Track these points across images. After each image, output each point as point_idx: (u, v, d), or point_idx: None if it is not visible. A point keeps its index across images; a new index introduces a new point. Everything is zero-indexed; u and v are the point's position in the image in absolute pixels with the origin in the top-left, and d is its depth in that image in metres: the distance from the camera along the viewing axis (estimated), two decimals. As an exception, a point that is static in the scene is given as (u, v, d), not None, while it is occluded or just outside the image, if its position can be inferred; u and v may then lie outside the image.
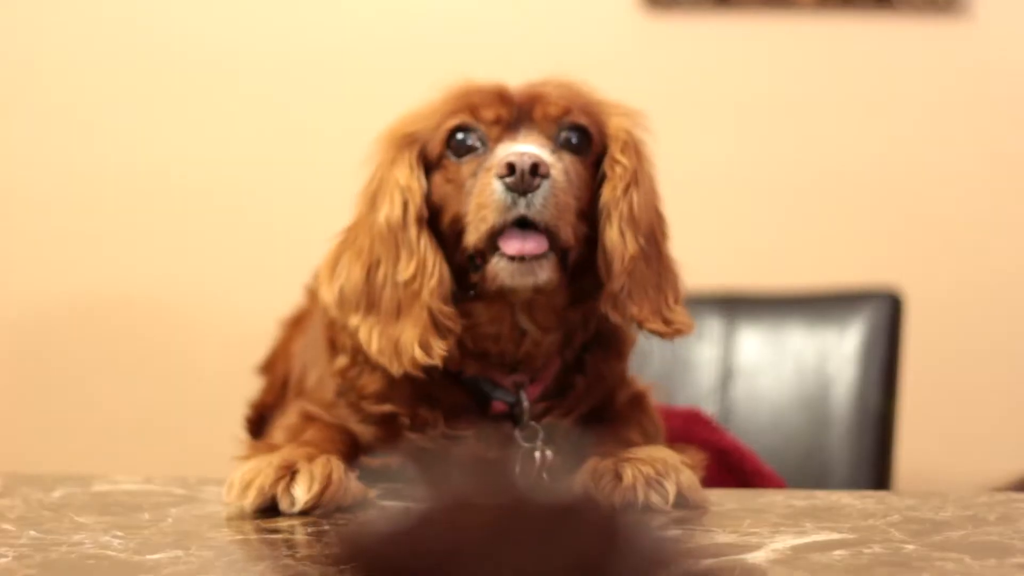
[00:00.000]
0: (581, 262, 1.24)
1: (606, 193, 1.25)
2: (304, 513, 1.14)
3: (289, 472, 1.16)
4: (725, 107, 2.48)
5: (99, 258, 2.51)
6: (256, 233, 2.50)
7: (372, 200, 1.27)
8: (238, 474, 1.17)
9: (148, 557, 0.97)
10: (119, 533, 1.07)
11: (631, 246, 1.22)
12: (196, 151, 2.51)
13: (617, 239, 1.23)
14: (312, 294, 1.47)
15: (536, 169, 1.17)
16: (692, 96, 2.47)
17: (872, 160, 2.45)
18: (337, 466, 1.17)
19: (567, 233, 1.19)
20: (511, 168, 1.17)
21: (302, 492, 1.14)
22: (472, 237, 1.20)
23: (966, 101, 2.45)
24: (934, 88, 2.46)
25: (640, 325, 1.25)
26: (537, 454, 1.23)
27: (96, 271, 2.51)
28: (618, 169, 1.25)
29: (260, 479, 1.15)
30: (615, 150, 1.26)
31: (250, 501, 1.14)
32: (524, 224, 1.18)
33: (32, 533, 1.08)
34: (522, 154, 1.18)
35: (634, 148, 1.27)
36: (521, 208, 1.17)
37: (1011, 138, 2.45)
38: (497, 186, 1.17)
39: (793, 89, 2.48)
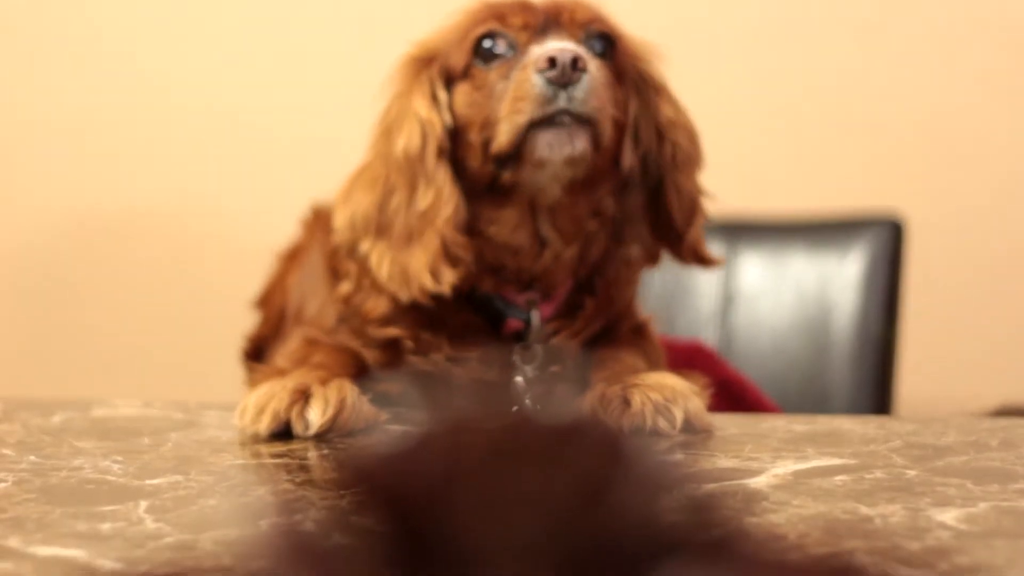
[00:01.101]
0: (604, 170, 1.25)
1: (663, 142, 1.27)
2: (317, 437, 1.14)
3: (303, 396, 1.16)
4: (725, 32, 2.45)
5: (99, 181, 2.50)
6: (261, 158, 2.48)
7: (389, 131, 1.27)
8: (251, 399, 1.18)
9: (148, 482, 0.97)
10: (119, 458, 1.06)
11: (696, 194, 1.27)
12: (203, 69, 2.49)
13: (686, 188, 1.26)
14: (309, 227, 1.46)
15: (576, 63, 1.17)
16: (691, 21, 2.44)
17: (874, 84, 2.44)
18: (350, 389, 1.17)
19: (606, 128, 1.20)
20: (552, 62, 1.17)
21: (316, 415, 1.14)
22: (504, 135, 1.19)
23: (971, 23, 2.43)
24: (937, 10, 2.43)
25: (689, 259, 1.29)
26: (519, 378, 1.23)
27: (96, 194, 2.50)
28: (665, 112, 1.28)
29: (274, 403, 1.16)
30: (655, 92, 1.29)
31: (264, 425, 1.14)
32: (558, 124, 1.18)
33: (32, 458, 1.07)
34: (563, 48, 1.18)
35: (669, 90, 1.30)
36: (562, 102, 1.18)
37: (1016, 60, 2.43)
38: (537, 80, 1.18)
39: (793, 13, 2.45)
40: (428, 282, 1.21)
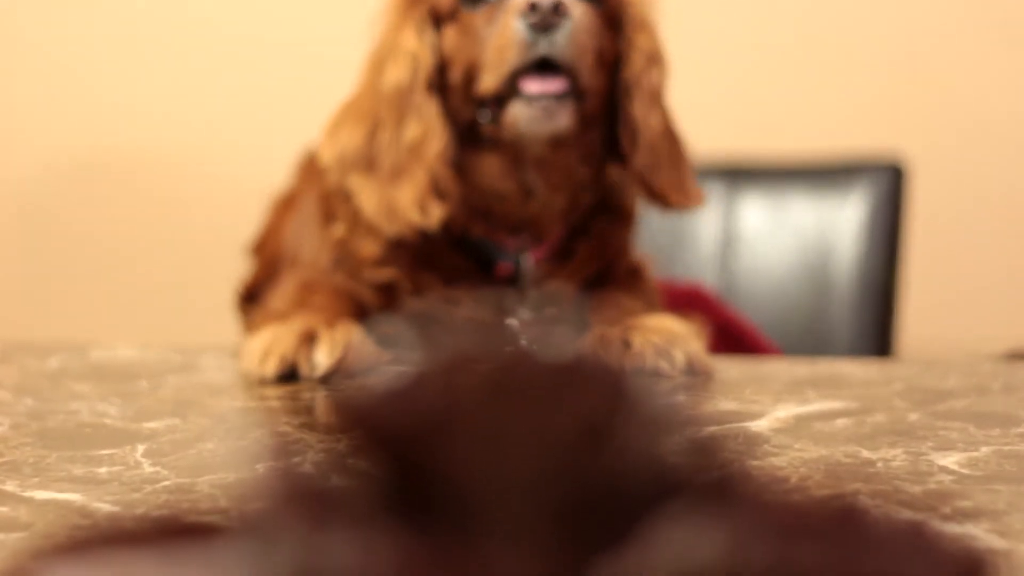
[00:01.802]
0: (595, 117, 1.23)
1: (628, 69, 1.25)
2: (320, 379, 1.14)
3: (309, 338, 1.16)
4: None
5: (97, 121, 2.48)
6: (261, 96, 2.47)
7: (379, 66, 1.26)
8: (256, 342, 1.18)
9: (145, 425, 0.97)
10: (116, 401, 1.06)
11: (655, 123, 1.24)
12: (204, 8, 2.47)
13: (642, 116, 1.24)
14: (303, 172, 1.45)
15: (558, 8, 1.16)
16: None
17: (875, 21, 2.42)
18: (355, 331, 1.17)
19: (587, 76, 1.19)
20: (533, 7, 1.16)
21: (324, 357, 1.14)
22: (489, 82, 1.18)
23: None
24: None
25: (663, 199, 1.26)
26: (514, 320, 1.22)
27: (93, 135, 2.49)
28: (639, 44, 1.25)
29: (281, 346, 1.16)
30: (634, 27, 1.26)
31: (271, 368, 1.15)
32: (544, 68, 1.17)
33: (29, 401, 1.07)
34: None
35: (651, 26, 1.27)
36: (542, 48, 1.17)
37: None
38: (518, 25, 1.16)
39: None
40: (416, 216, 1.21)
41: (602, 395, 0.28)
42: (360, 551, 0.27)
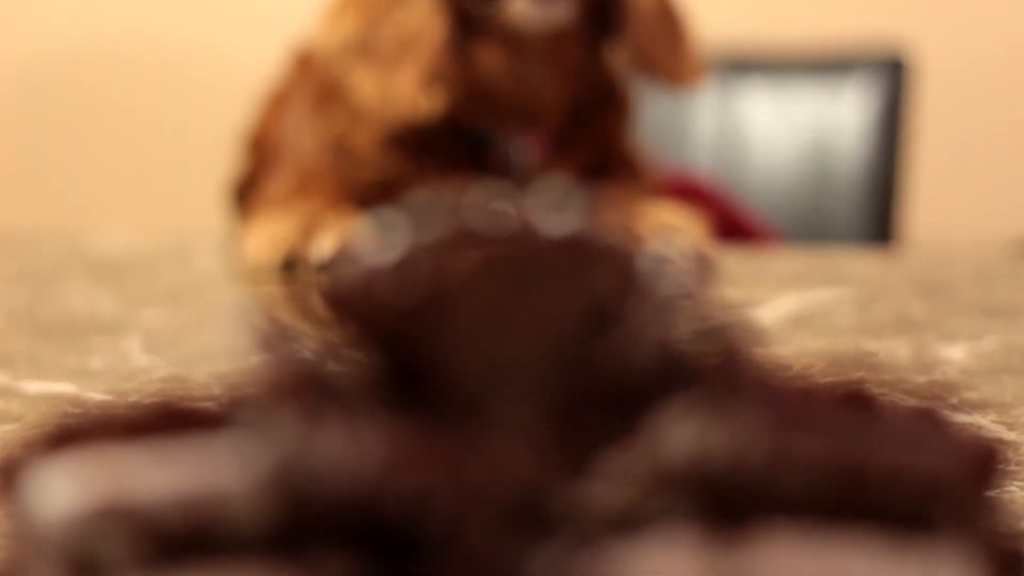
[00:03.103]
0: (594, 4, 1.21)
1: None
2: (321, 268, 1.13)
3: (313, 225, 1.15)
4: None
5: (92, 8, 2.45)
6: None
7: None
8: (256, 230, 1.17)
9: (139, 315, 0.96)
10: (110, 290, 1.05)
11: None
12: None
13: None
14: (299, 64, 1.43)
15: None
16: None
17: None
18: (359, 218, 1.16)
19: None
20: None
21: (327, 244, 1.13)
22: None
23: None
24: None
25: (660, 73, 1.23)
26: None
27: (88, 22, 2.46)
28: None
29: (282, 233, 1.15)
30: None
31: (272, 256, 1.14)
32: None
33: (21, 291, 1.06)
34: None
35: None
36: None
37: None
38: None
39: None
40: (415, 102, 1.19)
41: (610, 276, 0.26)
42: (349, 441, 0.25)
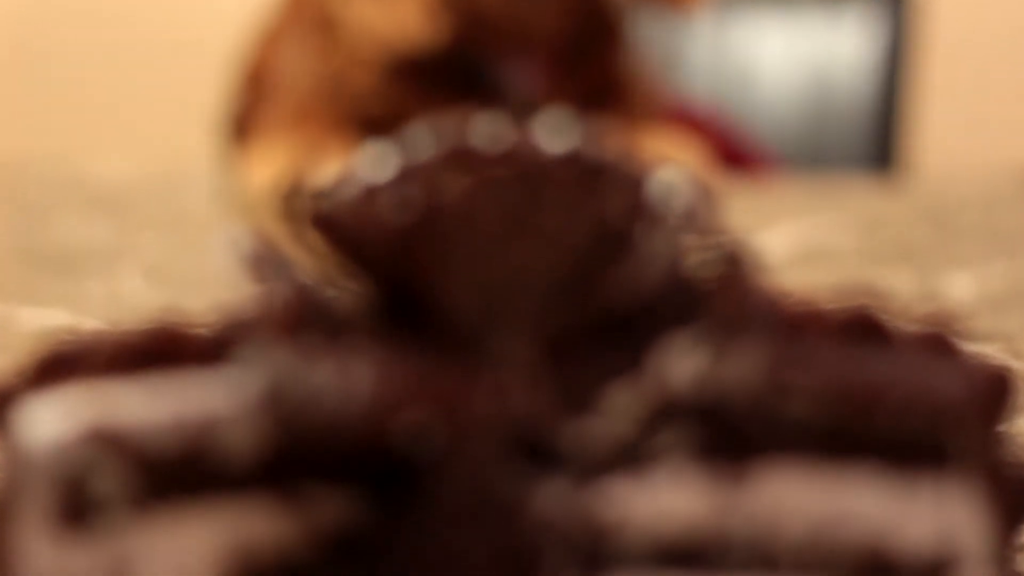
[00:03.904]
0: None
1: None
2: (321, 195, 1.13)
3: (314, 156, 1.14)
4: None
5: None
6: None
7: None
8: (259, 160, 1.16)
9: (135, 244, 0.95)
10: (106, 219, 1.04)
11: None
12: None
13: None
14: (291, 2, 1.42)
15: None
16: None
17: None
18: (361, 145, 1.16)
19: None
20: None
21: (329, 173, 1.13)
22: None
23: None
24: None
25: (658, 2, 1.23)
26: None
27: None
28: None
29: (285, 164, 1.14)
30: None
31: (275, 186, 1.13)
32: None
33: (15, 220, 1.05)
34: None
35: None
36: None
37: None
38: None
39: None
40: (415, 30, 1.18)
41: (618, 196, 0.25)
42: (342, 369, 0.25)
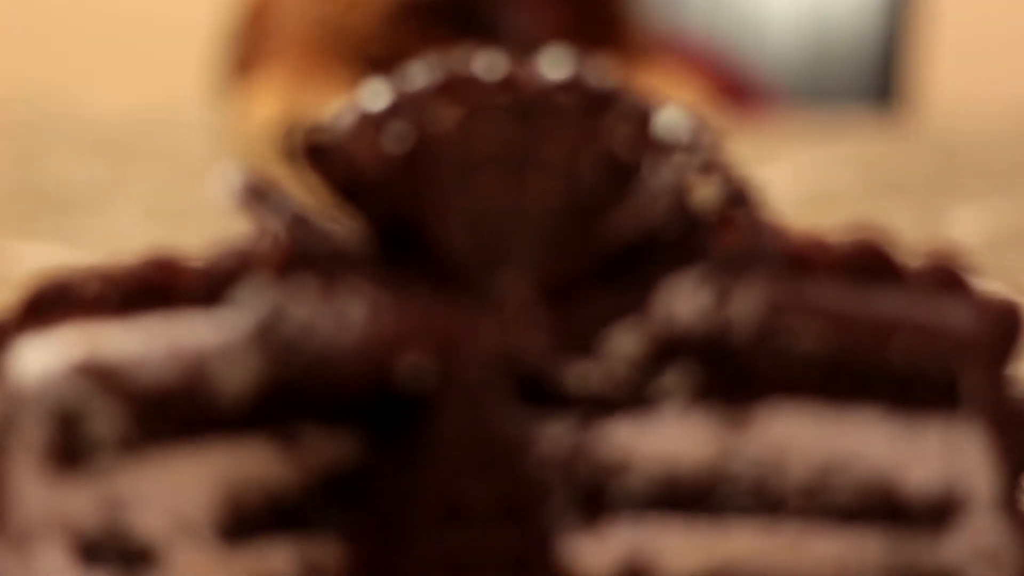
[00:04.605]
0: None
1: None
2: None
3: (317, 90, 1.13)
4: None
5: None
6: None
7: None
8: (262, 93, 1.16)
9: (132, 179, 0.95)
10: (102, 155, 1.04)
11: None
12: None
13: None
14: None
15: None
16: None
17: None
18: (364, 79, 1.16)
19: None
20: None
21: (335, 103, 1.12)
22: None
23: None
24: None
25: None
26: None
27: None
28: None
29: (288, 98, 1.14)
30: None
31: (278, 120, 1.13)
32: None
33: (12, 155, 1.05)
34: None
35: None
36: None
37: None
38: None
39: None
40: None
41: (625, 124, 0.25)
42: (332, 306, 0.24)
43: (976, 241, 0.75)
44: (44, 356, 0.25)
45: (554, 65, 0.26)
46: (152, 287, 0.27)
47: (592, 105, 0.24)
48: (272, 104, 1.15)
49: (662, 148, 0.25)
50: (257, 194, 0.27)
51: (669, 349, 0.26)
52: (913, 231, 0.76)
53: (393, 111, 0.25)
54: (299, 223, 0.26)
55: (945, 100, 2.26)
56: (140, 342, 0.26)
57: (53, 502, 0.25)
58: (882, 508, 0.27)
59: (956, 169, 0.97)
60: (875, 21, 1.83)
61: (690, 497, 0.27)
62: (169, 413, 0.25)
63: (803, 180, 0.93)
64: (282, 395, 0.25)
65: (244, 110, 1.18)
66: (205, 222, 0.79)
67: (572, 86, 0.24)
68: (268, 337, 0.24)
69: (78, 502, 0.25)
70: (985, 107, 2.19)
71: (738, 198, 0.27)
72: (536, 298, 0.26)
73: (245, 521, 0.26)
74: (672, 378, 0.27)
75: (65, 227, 0.80)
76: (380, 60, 1.25)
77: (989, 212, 0.82)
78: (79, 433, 0.25)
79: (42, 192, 0.91)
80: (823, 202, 0.86)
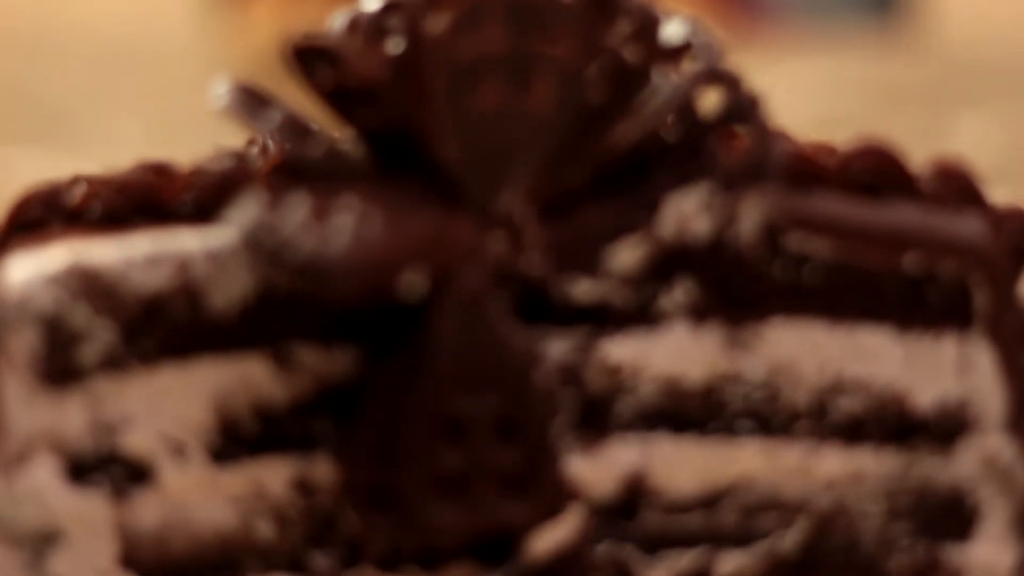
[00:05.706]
0: None
1: None
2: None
3: (319, 6, 1.14)
4: None
5: None
6: None
7: None
8: (263, 9, 1.15)
9: (132, 93, 0.95)
10: (101, 69, 1.04)
11: None
12: None
13: None
14: None
15: None
16: None
17: None
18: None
19: None
20: None
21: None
22: None
23: None
24: None
25: None
26: None
27: None
28: None
29: (287, 7, 1.13)
30: None
31: (285, 32, 1.12)
32: None
33: (13, 73, 1.04)
34: None
35: None
36: None
37: None
38: None
39: None
40: None
41: (631, 28, 0.24)
42: (321, 217, 0.24)
43: (979, 147, 0.75)
44: (30, 267, 0.25)
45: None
46: (142, 199, 0.27)
47: (598, 7, 0.23)
48: (270, 17, 1.14)
49: (670, 55, 0.24)
50: (250, 103, 0.26)
51: (673, 264, 0.26)
52: (920, 146, 0.76)
53: (386, 12, 0.24)
54: (292, 132, 0.25)
55: (945, 10, 2.23)
56: (128, 252, 0.25)
57: (43, 419, 0.25)
58: (892, 427, 0.27)
59: (960, 81, 0.96)
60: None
61: (694, 416, 0.26)
62: (158, 324, 0.25)
63: (807, 101, 0.92)
64: (274, 311, 0.25)
65: (242, 23, 1.17)
66: (204, 132, 0.79)
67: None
68: (257, 247, 0.24)
69: (68, 420, 0.25)
70: (987, 17, 2.18)
71: (745, 108, 0.27)
72: (537, 211, 0.25)
73: (237, 439, 0.25)
74: (676, 294, 0.26)
75: (63, 136, 0.80)
76: None
77: (997, 124, 0.82)
78: (66, 343, 0.25)
79: (40, 102, 0.91)
80: (821, 111, 0.85)
